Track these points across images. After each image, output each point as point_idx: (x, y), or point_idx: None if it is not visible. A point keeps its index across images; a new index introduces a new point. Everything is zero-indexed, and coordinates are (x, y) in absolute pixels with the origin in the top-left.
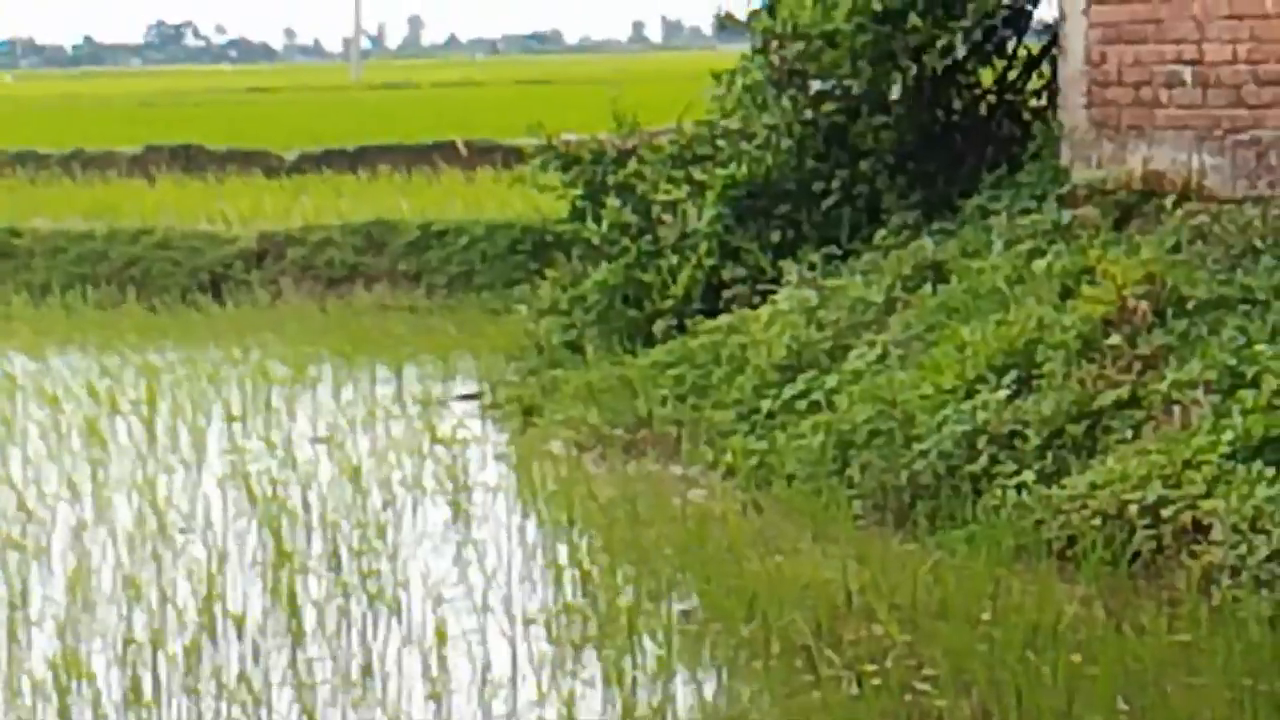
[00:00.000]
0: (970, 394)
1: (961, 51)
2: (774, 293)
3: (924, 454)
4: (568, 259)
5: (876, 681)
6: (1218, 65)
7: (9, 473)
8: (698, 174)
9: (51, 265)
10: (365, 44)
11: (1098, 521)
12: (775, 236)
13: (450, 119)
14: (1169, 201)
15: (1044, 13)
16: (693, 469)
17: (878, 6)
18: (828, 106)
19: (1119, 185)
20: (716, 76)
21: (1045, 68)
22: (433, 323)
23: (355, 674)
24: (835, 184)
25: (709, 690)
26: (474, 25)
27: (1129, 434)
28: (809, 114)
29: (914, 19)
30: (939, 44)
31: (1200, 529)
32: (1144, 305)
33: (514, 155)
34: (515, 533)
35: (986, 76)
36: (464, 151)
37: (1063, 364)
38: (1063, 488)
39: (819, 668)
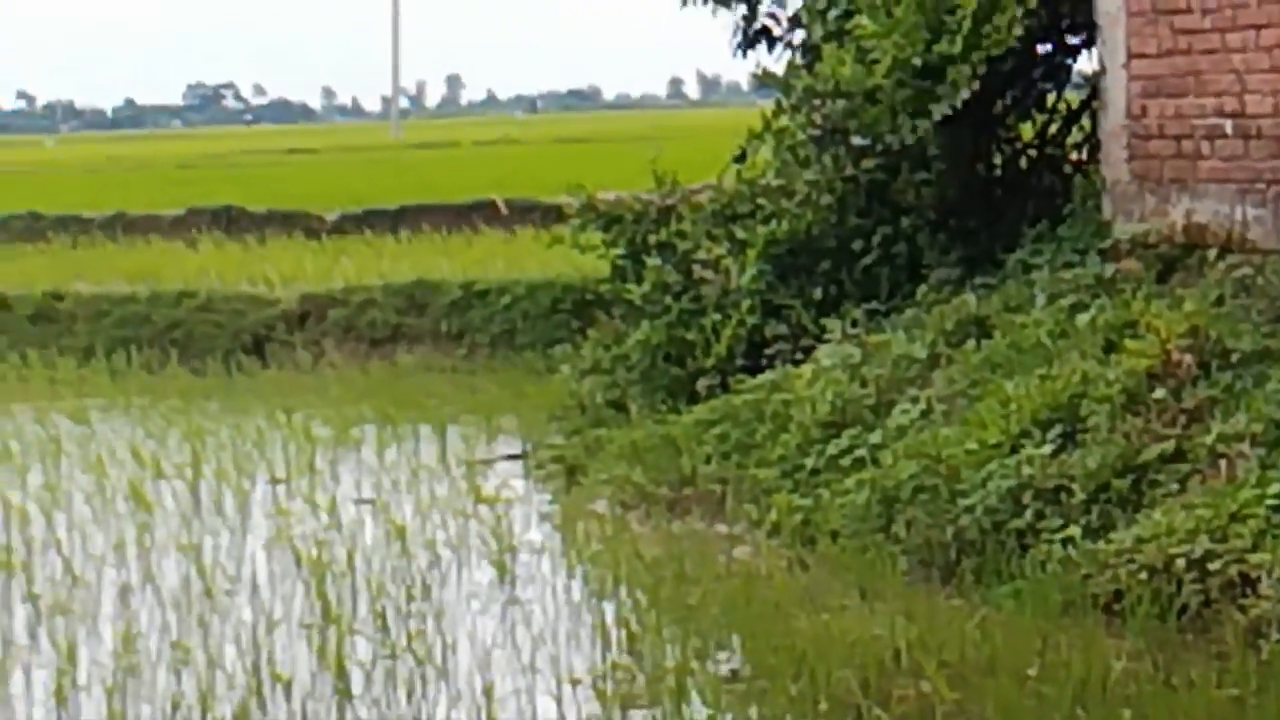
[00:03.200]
0: (1015, 449)
1: (966, 93)
2: (816, 350)
3: (969, 510)
4: (609, 317)
5: None
6: (1259, 117)
7: (56, 537)
8: (739, 232)
9: (95, 329)
10: (404, 103)
11: (1144, 576)
12: (817, 293)
13: (490, 178)
14: (1212, 254)
15: (1084, 65)
16: (738, 527)
17: (918, 62)
18: (868, 163)
19: (1161, 238)
20: (759, 137)
21: (1086, 121)
22: (475, 383)
23: None
24: (877, 240)
25: None
26: (512, 83)
27: (1175, 488)
28: (850, 171)
29: (953, 72)
30: (962, 81)
31: (1248, 582)
32: (1188, 358)
33: (554, 214)
34: (561, 592)
35: (1027, 131)
36: (504, 210)
37: (1107, 418)
38: (1109, 542)
39: None
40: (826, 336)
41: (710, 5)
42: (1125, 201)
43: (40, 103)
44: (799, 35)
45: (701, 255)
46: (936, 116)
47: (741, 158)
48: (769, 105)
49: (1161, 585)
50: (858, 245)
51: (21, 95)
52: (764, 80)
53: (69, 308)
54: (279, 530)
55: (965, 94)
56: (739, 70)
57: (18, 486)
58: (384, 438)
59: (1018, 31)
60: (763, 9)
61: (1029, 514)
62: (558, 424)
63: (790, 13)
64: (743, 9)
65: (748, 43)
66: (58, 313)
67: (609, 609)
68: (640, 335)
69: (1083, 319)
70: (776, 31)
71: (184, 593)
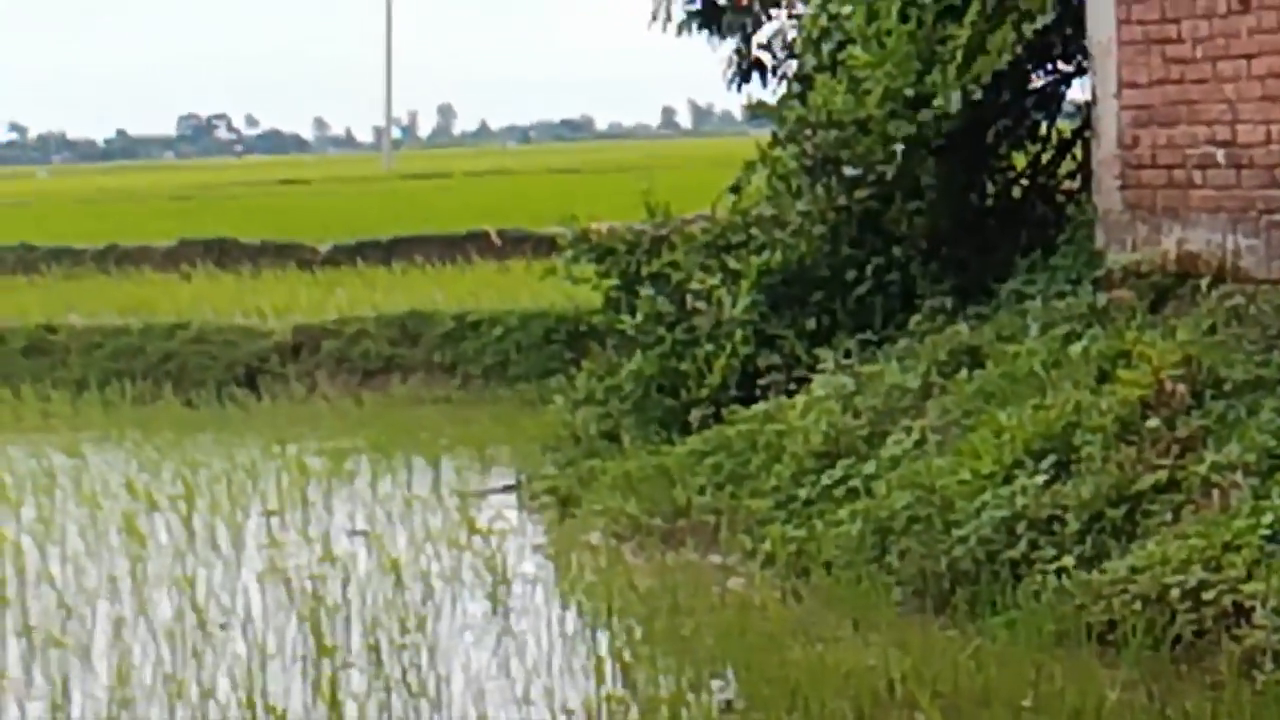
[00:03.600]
0: (1008, 479)
1: (955, 105)
2: (810, 380)
3: (963, 540)
4: (603, 348)
5: None
6: (1251, 146)
7: (49, 570)
8: (732, 262)
9: (88, 361)
10: (396, 133)
11: (1138, 606)
12: (810, 324)
13: (483, 208)
14: (1204, 283)
15: (1076, 95)
16: (731, 558)
17: (909, 93)
18: (861, 193)
19: (1154, 268)
20: (748, 166)
21: (1078, 150)
22: (468, 414)
23: None
24: (869, 270)
25: None
26: (505, 113)
27: (1168, 517)
28: (842, 201)
29: (943, 102)
30: (952, 104)
31: (1242, 612)
32: (1181, 388)
33: (547, 244)
34: (555, 624)
35: (1020, 160)
36: (497, 241)
37: (1101, 448)
38: (1103, 572)
39: None
40: (820, 367)
41: (705, 34)
42: (1118, 231)
43: (32, 134)
44: (792, 66)
45: (694, 286)
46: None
47: (738, 188)
48: (763, 135)
49: (1156, 615)
50: (850, 275)
51: (14, 126)
52: (757, 110)
53: (62, 340)
54: (272, 563)
55: (956, 101)
56: (732, 100)
57: (11, 519)
58: (377, 469)
59: (1007, 56)
60: (757, 40)
61: (1023, 544)
62: (551, 455)
63: (785, 41)
64: (737, 40)
65: (742, 75)
66: (50, 345)
67: (603, 640)
68: (633, 366)
69: (1075, 348)
70: (770, 63)
71: (177, 626)
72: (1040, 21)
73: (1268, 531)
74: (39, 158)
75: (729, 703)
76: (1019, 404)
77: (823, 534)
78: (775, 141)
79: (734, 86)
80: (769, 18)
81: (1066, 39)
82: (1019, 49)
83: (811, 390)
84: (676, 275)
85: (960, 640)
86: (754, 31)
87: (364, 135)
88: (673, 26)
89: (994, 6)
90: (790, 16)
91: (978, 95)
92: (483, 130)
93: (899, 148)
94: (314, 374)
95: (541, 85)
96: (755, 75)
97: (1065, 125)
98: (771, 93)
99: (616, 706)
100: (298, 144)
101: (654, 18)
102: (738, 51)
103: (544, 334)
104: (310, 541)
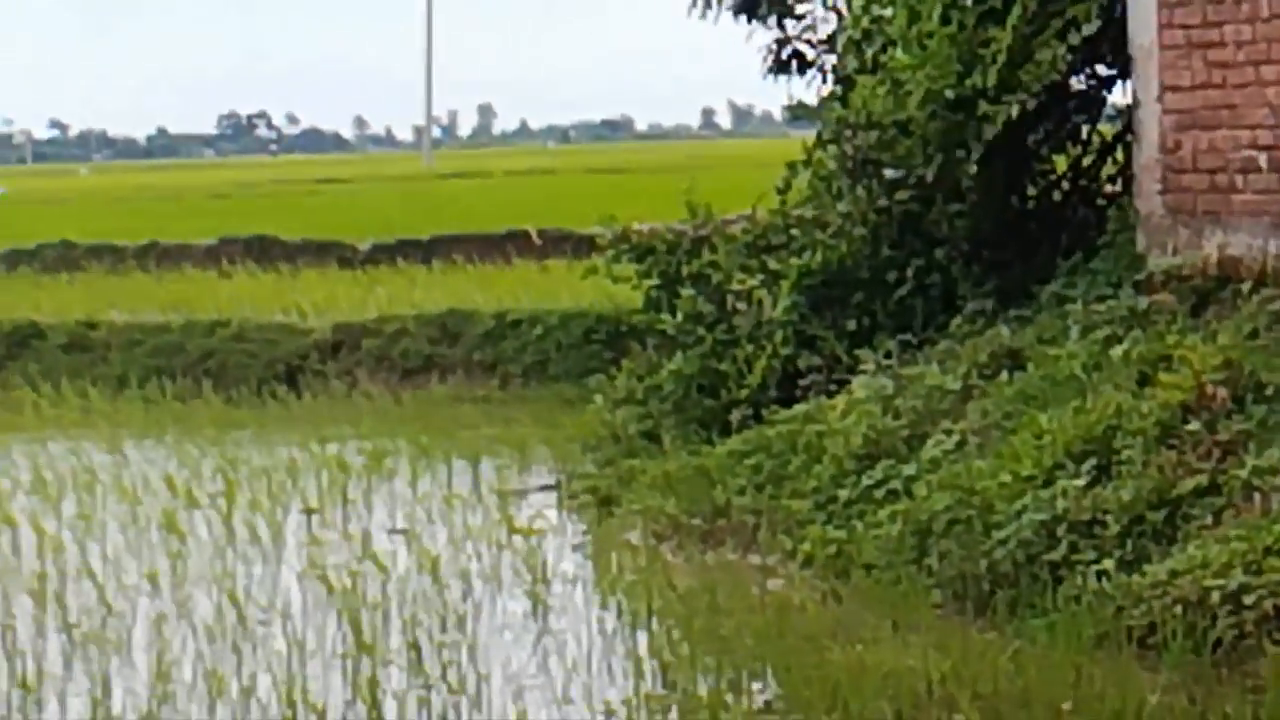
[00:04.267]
0: (1049, 482)
1: (1014, 111)
2: (850, 381)
3: (1003, 542)
4: (643, 348)
5: None
6: None
7: (89, 566)
8: (772, 263)
9: (128, 358)
10: (436, 132)
11: (1179, 609)
12: (850, 325)
13: (523, 207)
14: (1246, 287)
15: (1118, 98)
16: (771, 558)
17: (950, 94)
18: (901, 195)
19: (1195, 271)
20: (791, 166)
21: (1120, 154)
22: (508, 413)
23: None
24: (910, 272)
25: None
26: (545, 113)
27: (1209, 521)
28: (883, 202)
29: (985, 106)
30: (999, 117)
31: None
32: (1222, 391)
33: (587, 244)
34: (594, 623)
35: (1061, 163)
36: (537, 240)
37: (1141, 451)
38: (1143, 575)
39: None
40: (860, 368)
41: (739, 19)
42: (1159, 234)
43: (73, 131)
44: (830, 60)
45: (735, 286)
46: (974, 155)
47: (784, 188)
48: (804, 135)
49: (1196, 618)
50: (891, 277)
51: (55, 124)
52: (797, 112)
53: (102, 337)
54: (312, 560)
55: (1006, 118)
56: (772, 100)
57: (52, 516)
58: (417, 468)
59: (1060, 68)
60: (793, 30)
61: (1063, 546)
62: (591, 454)
63: (822, 35)
64: (775, 31)
65: (780, 66)
66: (91, 342)
67: (642, 640)
68: (674, 366)
69: (1116, 351)
70: (809, 55)
71: (218, 622)
72: (1086, 30)
73: None
74: (80, 155)
75: (768, 703)
76: (1059, 407)
77: (862, 535)
78: (819, 142)
79: (770, 76)
80: (795, 14)
81: (1109, 43)
82: (1067, 59)
83: (852, 391)
84: (717, 275)
85: (1000, 642)
86: (789, 21)
87: (404, 134)
88: (711, 14)
89: (1035, 9)
90: (826, 8)
91: (1028, 104)
92: (523, 130)
93: (944, 155)
94: (354, 372)
95: (582, 85)
96: (793, 66)
97: (1107, 129)
98: (807, 85)
99: (656, 706)
100: (337, 143)
101: (694, 3)
102: (777, 41)
103: (584, 333)
104: (350, 539)
